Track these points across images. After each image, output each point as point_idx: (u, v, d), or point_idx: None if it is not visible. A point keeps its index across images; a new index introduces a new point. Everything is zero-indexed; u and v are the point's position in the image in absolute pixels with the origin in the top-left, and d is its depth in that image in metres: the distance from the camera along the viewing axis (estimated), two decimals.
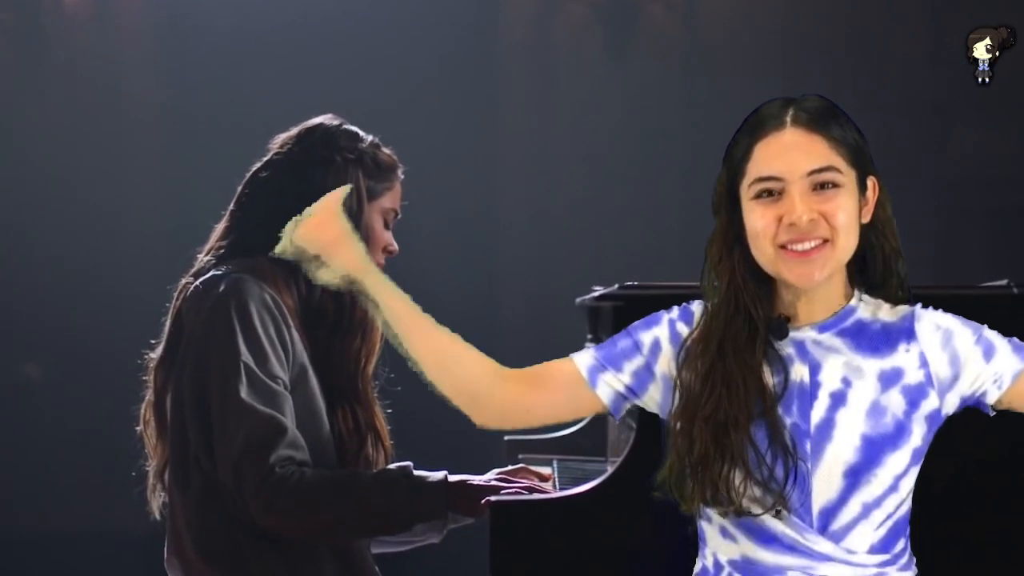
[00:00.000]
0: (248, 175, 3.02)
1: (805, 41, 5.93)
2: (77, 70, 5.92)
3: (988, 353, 2.25)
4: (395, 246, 3.05)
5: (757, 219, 2.23)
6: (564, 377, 2.32)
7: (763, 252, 2.23)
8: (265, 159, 3.01)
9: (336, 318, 2.94)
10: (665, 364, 2.30)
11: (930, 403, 2.25)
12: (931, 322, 2.27)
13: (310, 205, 2.93)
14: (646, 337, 2.32)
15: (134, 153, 5.94)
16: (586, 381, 2.31)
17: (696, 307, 2.32)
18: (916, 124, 5.87)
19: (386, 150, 3.04)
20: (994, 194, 5.88)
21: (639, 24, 6.04)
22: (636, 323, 2.35)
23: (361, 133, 3.03)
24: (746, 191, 2.25)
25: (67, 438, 5.77)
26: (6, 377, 5.87)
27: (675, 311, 2.34)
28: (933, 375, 2.25)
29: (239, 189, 3.02)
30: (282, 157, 2.99)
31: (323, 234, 2.35)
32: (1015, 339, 2.28)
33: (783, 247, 2.21)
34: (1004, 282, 2.99)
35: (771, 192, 2.22)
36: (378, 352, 3.00)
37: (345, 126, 3.03)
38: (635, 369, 2.31)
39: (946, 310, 2.32)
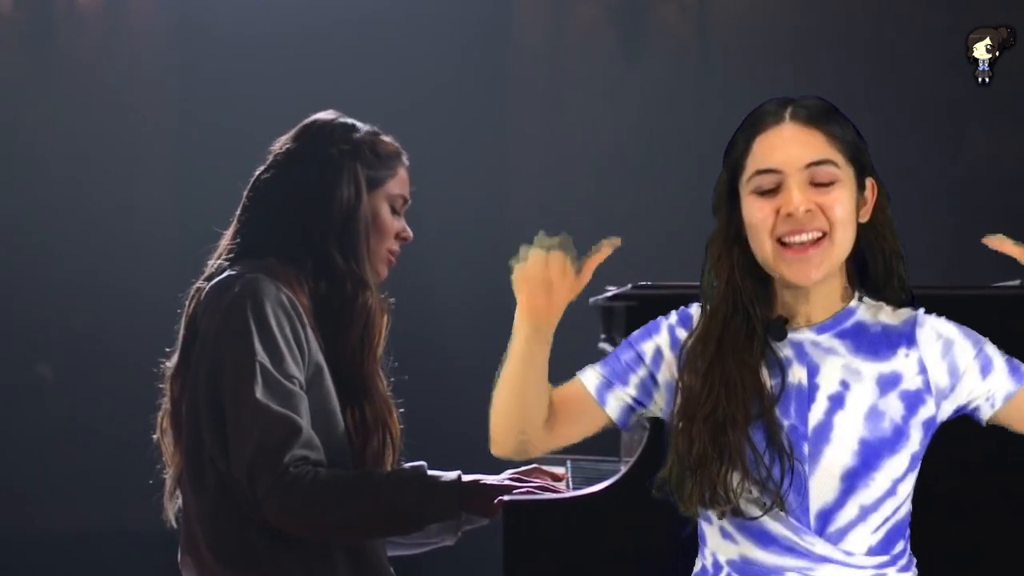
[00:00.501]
0: (252, 179, 3.03)
1: (818, 43, 5.92)
2: (88, 70, 5.92)
3: (985, 370, 2.25)
4: (409, 232, 3.05)
5: (756, 212, 2.23)
6: (576, 401, 2.33)
7: (761, 246, 2.23)
8: (267, 161, 3.03)
9: (339, 312, 2.94)
10: (667, 371, 2.30)
11: (927, 410, 2.24)
12: (933, 329, 2.27)
13: (312, 201, 2.94)
14: (647, 347, 2.32)
15: (145, 153, 5.95)
16: (595, 400, 2.32)
17: (695, 309, 2.32)
18: (929, 126, 5.86)
19: (386, 138, 3.05)
20: (1008, 195, 5.87)
21: (651, 25, 6.03)
22: (636, 333, 2.35)
23: (358, 124, 3.03)
24: (745, 185, 2.25)
25: (78, 437, 5.77)
26: (16, 377, 5.88)
27: (673, 316, 2.34)
28: (931, 383, 2.25)
29: (244, 193, 3.03)
30: (282, 157, 3.01)
31: (562, 279, 2.22)
32: (1014, 359, 2.27)
33: (781, 242, 2.21)
34: (1017, 282, 2.98)
35: (770, 186, 2.22)
36: (381, 344, 2.99)
37: (341, 119, 3.04)
38: (640, 381, 2.32)
39: (958, 311, 2.32)
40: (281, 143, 3.03)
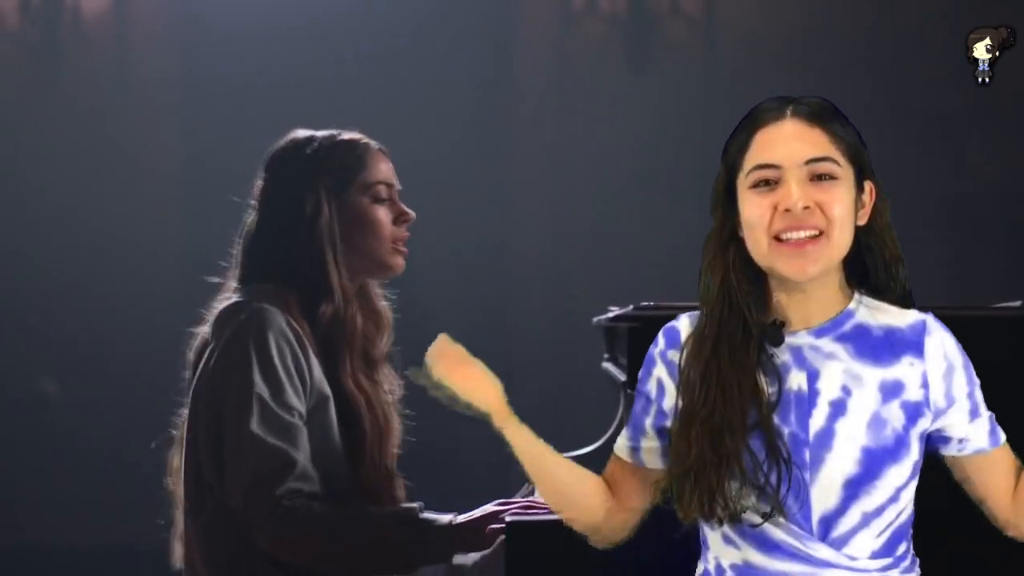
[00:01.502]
0: (242, 227, 3.03)
1: (825, 57, 5.93)
2: (94, 88, 5.96)
3: (973, 413, 2.26)
4: (410, 213, 3.01)
5: (753, 207, 2.20)
6: (624, 473, 2.33)
7: (758, 243, 2.20)
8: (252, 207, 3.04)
9: (317, 326, 2.94)
10: (672, 398, 2.29)
11: (924, 422, 2.24)
12: (940, 345, 2.25)
13: (288, 227, 2.94)
14: (651, 385, 2.31)
15: (151, 169, 5.97)
16: (634, 464, 2.32)
17: (682, 322, 2.31)
18: (930, 140, 5.87)
19: (347, 135, 3.01)
20: (1010, 210, 5.87)
21: (659, 40, 6.04)
22: (640, 375, 2.34)
23: (315, 134, 3.01)
24: (743, 182, 2.23)
25: (80, 452, 5.80)
26: (20, 391, 5.90)
27: (661, 342, 2.32)
28: (931, 399, 2.24)
29: (238, 241, 3.03)
30: (259, 197, 3.02)
31: (453, 374, 2.27)
32: (994, 418, 2.28)
33: (778, 239, 2.19)
34: (1018, 303, 2.98)
35: (768, 182, 2.20)
36: (356, 349, 2.97)
37: (295, 138, 3.01)
38: (654, 422, 2.31)
39: (959, 331, 2.29)
40: (255, 185, 3.04)
